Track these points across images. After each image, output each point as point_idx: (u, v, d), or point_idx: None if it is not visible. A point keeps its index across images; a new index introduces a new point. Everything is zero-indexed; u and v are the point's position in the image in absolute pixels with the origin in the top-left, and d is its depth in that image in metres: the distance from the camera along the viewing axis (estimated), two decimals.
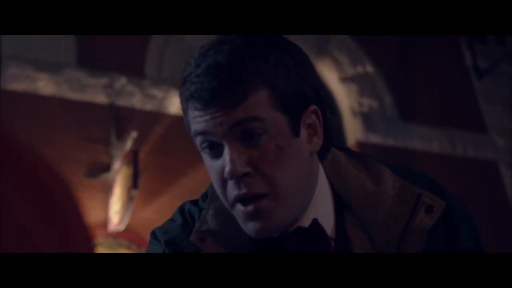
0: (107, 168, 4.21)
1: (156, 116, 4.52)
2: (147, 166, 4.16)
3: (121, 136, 4.27)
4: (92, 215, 4.00)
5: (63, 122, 4.22)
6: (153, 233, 1.08)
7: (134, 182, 3.86)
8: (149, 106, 4.55)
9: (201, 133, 0.98)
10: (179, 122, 4.65)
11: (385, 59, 5.80)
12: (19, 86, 4.22)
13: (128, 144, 4.13)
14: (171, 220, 1.08)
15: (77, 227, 0.44)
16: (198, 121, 0.98)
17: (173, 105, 4.63)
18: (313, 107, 1.00)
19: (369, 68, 5.65)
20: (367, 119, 5.33)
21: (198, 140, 0.99)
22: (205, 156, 1.00)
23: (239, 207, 0.98)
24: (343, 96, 5.41)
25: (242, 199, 0.97)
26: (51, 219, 0.42)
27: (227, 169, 0.95)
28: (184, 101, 1.02)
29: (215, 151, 0.98)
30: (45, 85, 4.30)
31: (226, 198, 0.99)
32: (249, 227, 0.98)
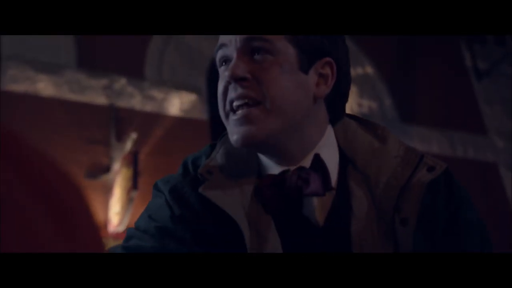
0: (107, 169, 4.21)
1: (156, 118, 4.52)
2: (147, 168, 4.16)
3: (121, 137, 4.27)
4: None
5: (63, 123, 4.22)
6: (155, 185, 1.12)
7: (133, 183, 3.87)
8: (149, 107, 4.55)
9: (220, 46, 1.08)
10: (179, 124, 4.63)
11: (385, 61, 5.80)
12: (19, 87, 4.22)
13: (128, 145, 4.13)
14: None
15: (86, 227, 0.44)
16: (221, 36, 1.08)
17: (173, 106, 4.63)
18: (328, 59, 1.08)
19: (369, 70, 5.66)
20: None
21: (218, 55, 1.08)
22: (220, 72, 1.08)
23: (231, 116, 1.04)
24: None
25: (236, 105, 1.03)
26: (59, 220, 0.42)
27: (227, 72, 1.03)
28: None
29: (227, 66, 1.06)
30: (45, 86, 4.30)
31: (224, 108, 1.06)
32: (235, 134, 1.03)
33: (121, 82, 4.55)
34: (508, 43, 5.79)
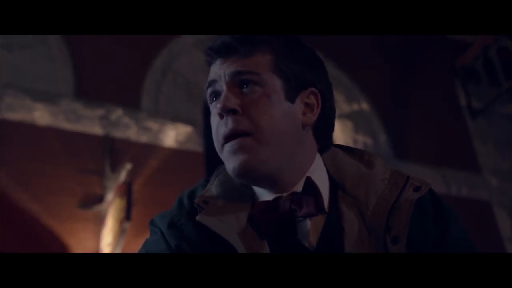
0: (100, 199, 4.19)
1: (151, 149, 4.52)
2: (141, 199, 4.14)
3: (115, 167, 4.26)
4: (83, 247, 3.96)
5: (58, 152, 4.22)
6: (151, 221, 1.14)
7: (126, 215, 3.84)
8: (144, 138, 4.56)
9: (209, 82, 1.13)
10: (174, 155, 4.59)
11: (380, 97, 5.85)
12: (15, 115, 4.23)
13: (122, 175, 4.12)
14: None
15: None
16: (210, 74, 1.13)
17: (169, 137, 4.64)
18: (313, 89, 1.13)
19: (365, 106, 5.70)
20: None
21: (208, 92, 1.14)
22: (212, 110, 1.13)
23: (226, 147, 1.07)
24: (338, 132, 5.44)
25: (228, 137, 1.07)
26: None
27: (219, 104, 1.08)
28: (206, 60, 1.15)
29: (218, 100, 1.10)
30: (41, 115, 4.30)
31: (218, 141, 1.10)
32: (231, 163, 1.07)
33: (118, 112, 4.56)
34: (502, 83, 5.85)
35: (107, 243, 4.01)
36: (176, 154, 4.57)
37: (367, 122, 5.65)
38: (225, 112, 1.07)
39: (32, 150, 4.15)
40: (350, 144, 5.37)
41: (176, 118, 4.76)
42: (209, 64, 1.15)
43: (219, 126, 1.09)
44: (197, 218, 1.06)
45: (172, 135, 4.66)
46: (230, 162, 1.07)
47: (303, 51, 1.15)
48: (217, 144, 1.11)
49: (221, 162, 1.17)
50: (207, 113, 4.93)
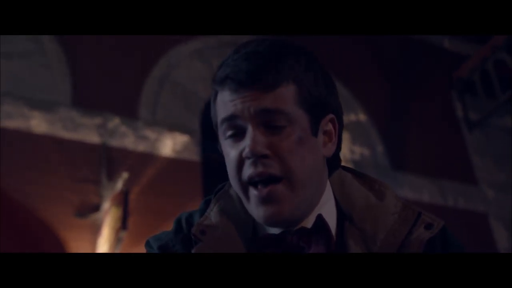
0: (96, 208, 4.18)
1: (148, 158, 4.52)
2: (137, 208, 4.13)
3: (112, 176, 4.25)
4: None
5: (55, 160, 4.21)
6: (147, 242, 1.10)
7: (123, 224, 3.83)
8: (141, 147, 4.56)
9: (229, 117, 1.02)
10: (171, 164, 4.56)
11: (378, 109, 5.86)
12: (12, 123, 4.22)
13: (119, 184, 4.11)
14: (165, 230, 1.11)
15: None
16: (228, 106, 1.02)
17: (166, 146, 4.64)
18: (331, 115, 1.07)
19: (362, 117, 5.71)
20: (358, 167, 5.35)
21: (223, 126, 1.04)
22: (227, 143, 1.04)
23: (253, 191, 1.00)
24: None
25: (256, 181, 0.99)
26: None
27: (247, 148, 0.99)
28: (218, 84, 1.05)
29: (239, 137, 1.02)
30: (38, 123, 4.30)
31: (239, 179, 1.02)
32: (260, 212, 1.00)
33: (115, 121, 4.56)
34: (498, 96, 5.87)
35: (103, 252, 4.00)
36: (173, 163, 4.56)
37: (365, 133, 5.65)
38: (255, 157, 0.99)
39: (28, 158, 4.14)
40: (347, 156, 5.37)
41: (173, 127, 4.76)
42: (216, 95, 1.06)
43: (242, 163, 1.01)
44: (193, 252, 1.02)
45: (169, 144, 4.66)
46: (260, 210, 1.00)
47: (321, 72, 1.08)
48: (236, 179, 1.03)
49: (218, 173, 1.14)
50: (204, 123, 4.94)
